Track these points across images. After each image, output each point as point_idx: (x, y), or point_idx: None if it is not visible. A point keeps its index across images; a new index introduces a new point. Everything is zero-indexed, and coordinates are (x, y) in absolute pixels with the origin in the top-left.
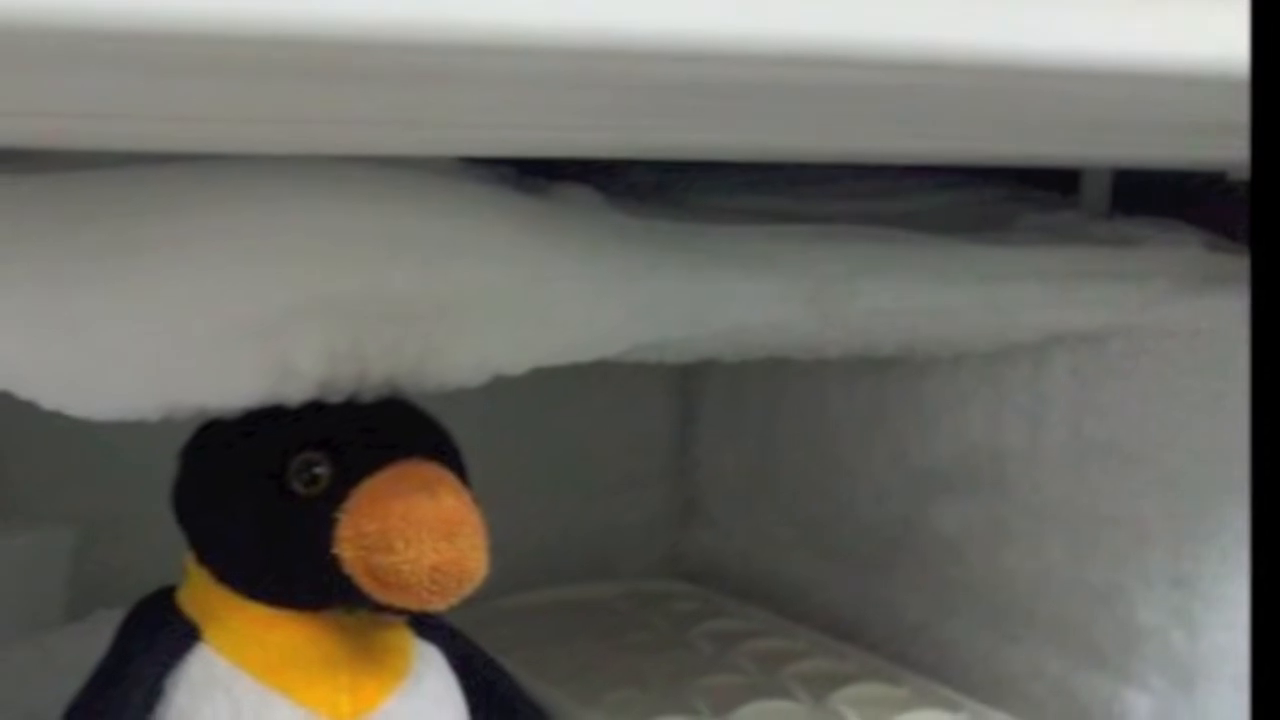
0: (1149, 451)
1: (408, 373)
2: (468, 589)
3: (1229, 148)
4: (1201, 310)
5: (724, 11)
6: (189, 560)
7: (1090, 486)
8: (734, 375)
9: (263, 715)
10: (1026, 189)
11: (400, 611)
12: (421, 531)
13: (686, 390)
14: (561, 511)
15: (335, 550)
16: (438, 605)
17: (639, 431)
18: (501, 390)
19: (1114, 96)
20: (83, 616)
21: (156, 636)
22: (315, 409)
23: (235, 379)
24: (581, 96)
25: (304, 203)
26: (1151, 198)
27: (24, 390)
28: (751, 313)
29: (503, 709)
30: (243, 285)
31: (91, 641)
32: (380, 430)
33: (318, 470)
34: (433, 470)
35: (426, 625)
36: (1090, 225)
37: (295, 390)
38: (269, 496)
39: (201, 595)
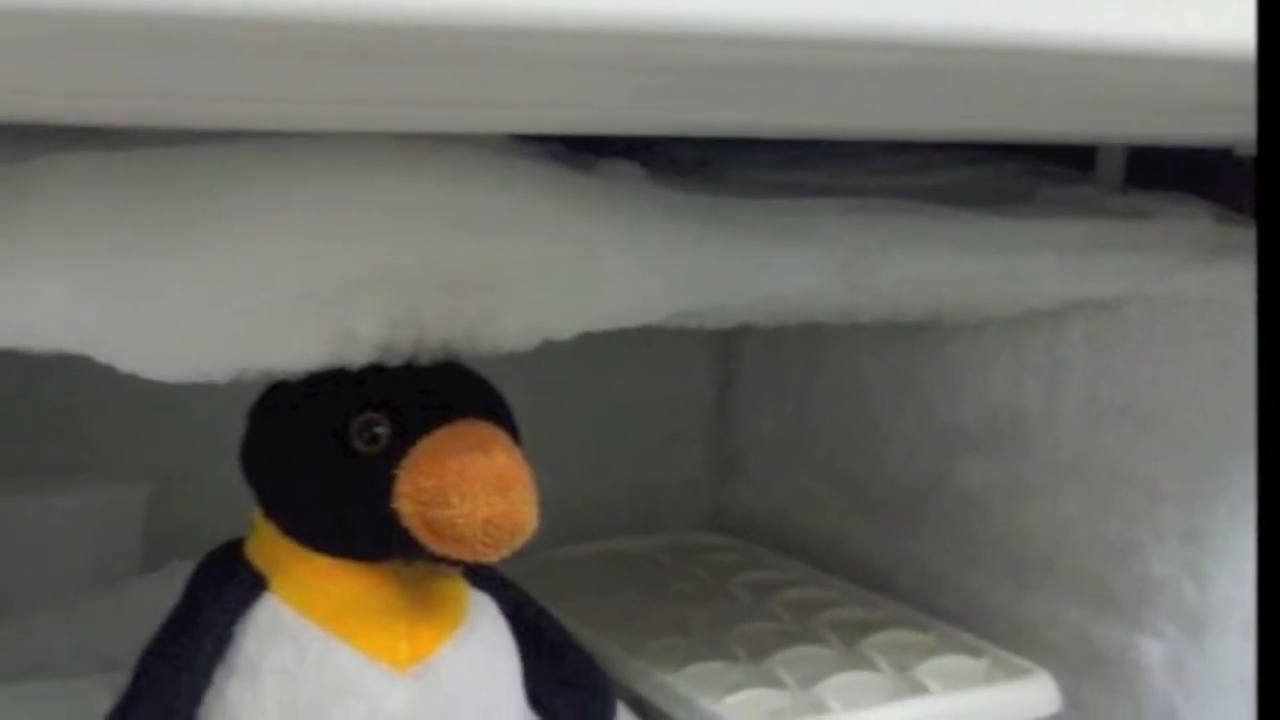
0: (1161, 413)
1: (462, 338)
2: (519, 541)
3: (1236, 125)
4: (1211, 280)
5: None
6: (256, 514)
7: (1106, 446)
8: (771, 340)
9: (326, 660)
10: (1045, 165)
11: (455, 563)
12: (476, 487)
13: (726, 355)
14: (608, 469)
15: (394, 505)
16: (491, 557)
17: (681, 394)
18: (551, 354)
19: (1128, 78)
20: (157, 567)
21: (226, 586)
22: (375, 372)
23: (300, 344)
24: (627, 78)
25: (365, 179)
26: (1163, 173)
27: (102, 355)
28: (787, 281)
29: (552, 655)
30: (308, 256)
31: (165, 590)
32: (437, 392)
33: (378, 430)
34: (486, 429)
35: (480, 575)
36: (1105, 199)
37: (356, 354)
38: (332, 454)
39: (268, 547)
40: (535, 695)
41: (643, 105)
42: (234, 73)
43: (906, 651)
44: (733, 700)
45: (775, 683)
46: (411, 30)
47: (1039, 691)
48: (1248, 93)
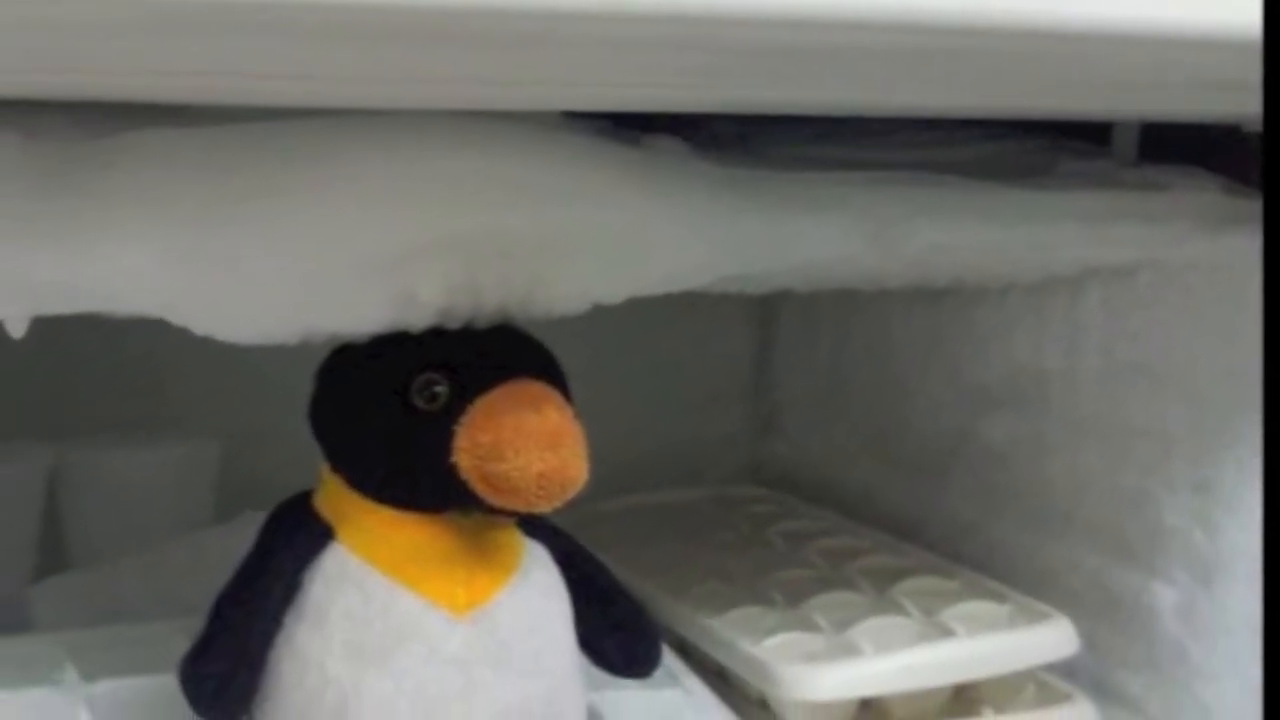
0: (1173, 372)
1: (517, 302)
2: (570, 494)
3: (1244, 102)
4: (1219, 248)
5: None
6: (323, 468)
7: (1122, 403)
8: (806, 304)
9: (389, 606)
10: (1064, 140)
11: (510, 513)
12: (529, 442)
13: (765, 318)
14: (654, 425)
15: (453, 460)
16: (544, 508)
17: (722, 355)
18: (601, 318)
19: (1142, 58)
20: (230, 518)
21: (295, 536)
22: (435, 334)
23: (365, 308)
24: (672, 58)
25: (426, 152)
26: (1175, 147)
27: (178, 318)
28: (821, 249)
29: (601, 600)
30: (372, 225)
31: (238, 540)
32: (493, 353)
33: (438, 389)
34: (539, 388)
35: (534, 525)
36: (1121, 172)
37: (417, 318)
38: (394, 412)
39: (334, 499)
40: (585, 638)
41: (686, 84)
42: (304, 54)
43: (934, 597)
44: (771, 643)
45: (811, 626)
46: (472, 13)
47: (1058, 634)
48: (1254, 72)
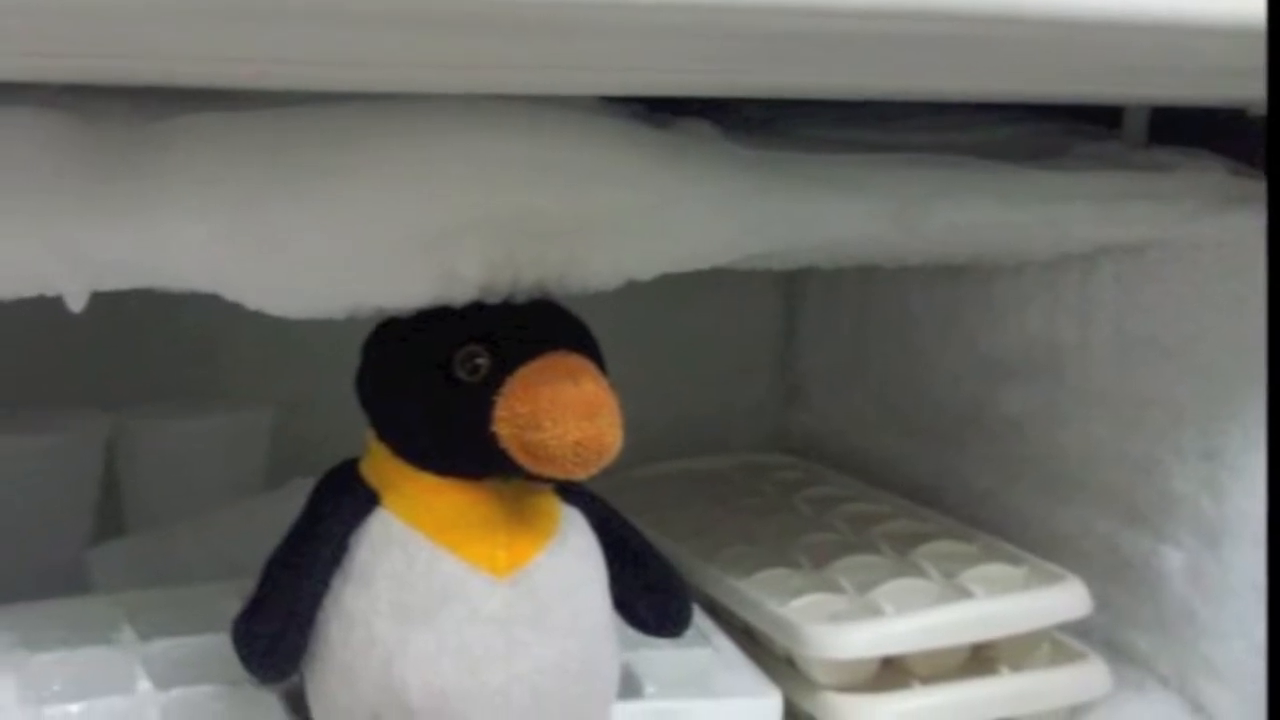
0: (1182, 345)
1: (554, 278)
2: (606, 461)
3: (1249, 88)
4: (1225, 226)
5: None
6: (370, 436)
7: (1132, 375)
8: (830, 280)
9: (432, 568)
10: (1077, 123)
11: (548, 480)
12: (566, 412)
13: (790, 293)
14: (685, 396)
15: (493, 429)
16: (580, 475)
17: (750, 328)
18: (634, 293)
19: (1152, 45)
20: (280, 484)
21: (342, 501)
22: (476, 309)
23: (408, 283)
24: (703, 45)
25: (466, 135)
26: (1184, 130)
27: (231, 293)
28: (845, 228)
29: (635, 563)
30: (415, 205)
31: (287, 505)
32: (531, 327)
33: (478, 361)
34: (576, 360)
35: (570, 491)
36: (1131, 154)
37: (459, 293)
38: (437, 383)
39: (380, 466)
40: (619, 599)
41: (716, 70)
42: (352, 42)
43: (953, 560)
44: (796, 604)
45: (835, 588)
46: (515, 3)
47: (1072, 596)
48: (1259, 59)
